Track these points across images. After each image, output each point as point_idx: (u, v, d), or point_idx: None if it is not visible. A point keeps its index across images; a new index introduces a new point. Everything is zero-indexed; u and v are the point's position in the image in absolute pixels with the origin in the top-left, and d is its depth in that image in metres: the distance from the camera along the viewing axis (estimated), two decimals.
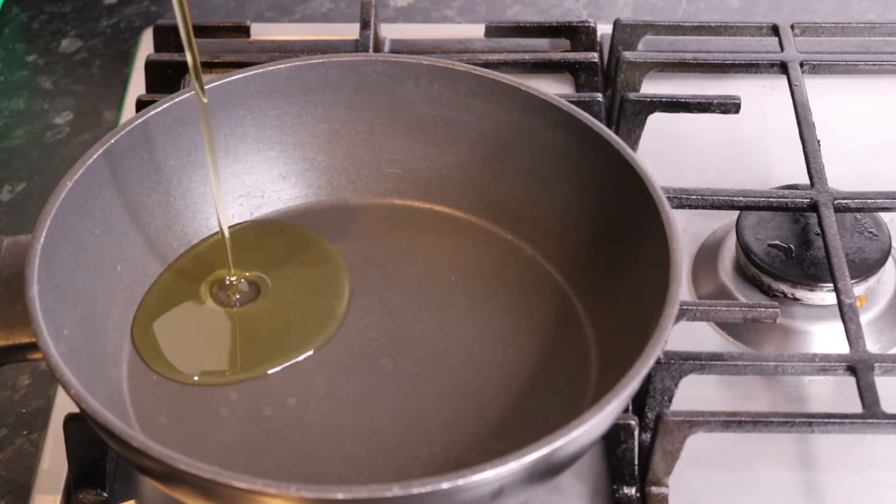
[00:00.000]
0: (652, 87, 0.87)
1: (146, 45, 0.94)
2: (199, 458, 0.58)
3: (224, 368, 0.71)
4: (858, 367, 0.69)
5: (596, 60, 0.89)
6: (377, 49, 0.90)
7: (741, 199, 0.78)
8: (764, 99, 0.89)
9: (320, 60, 0.77)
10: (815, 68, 0.87)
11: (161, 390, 0.70)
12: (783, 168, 0.85)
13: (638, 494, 0.69)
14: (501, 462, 0.57)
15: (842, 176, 0.81)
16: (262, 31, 0.94)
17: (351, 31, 0.91)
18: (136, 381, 0.70)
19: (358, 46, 0.89)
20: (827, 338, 0.76)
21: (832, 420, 0.67)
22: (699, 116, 0.85)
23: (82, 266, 0.69)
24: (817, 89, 0.85)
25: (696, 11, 1.01)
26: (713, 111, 0.84)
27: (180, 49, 0.91)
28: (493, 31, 0.92)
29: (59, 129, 0.91)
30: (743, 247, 0.78)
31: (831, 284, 0.74)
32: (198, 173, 0.76)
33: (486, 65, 0.83)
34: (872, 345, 0.75)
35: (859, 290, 0.76)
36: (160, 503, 0.68)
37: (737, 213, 0.80)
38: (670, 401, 0.70)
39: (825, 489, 0.70)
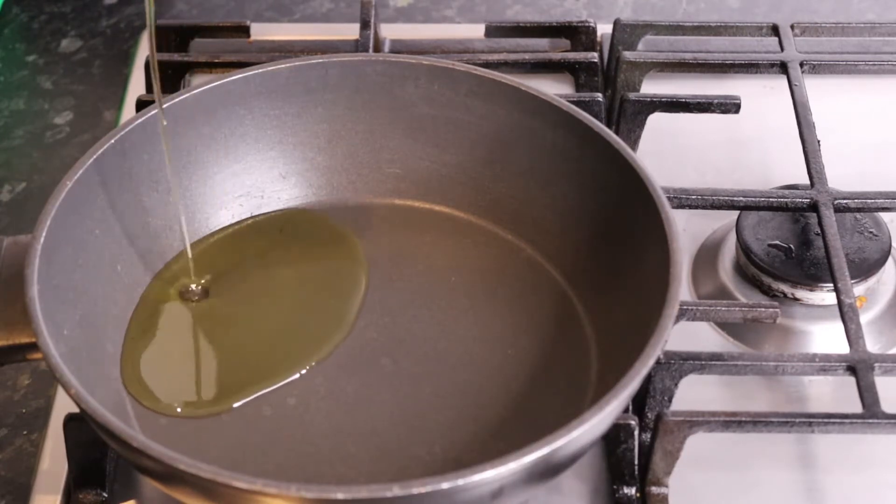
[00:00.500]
0: (652, 87, 0.87)
1: (146, 45, 0.94)
2: (199, 458, 0.58)
3: (211, 397, 0.70)
4: (858, 367, 0.69)
5: (596, 60, 0.89)
6: (377, 49, 0.90)
7: (741, 199, 0.78)
8: (764, 99, 0.89)
9: (320, 60, 0.77)
10: (815, 68, 0.87)
11: None
12: (783, 168, 0.85)
13: (638, 494, 0.69)
14: (501, 462, 0.57)
15: (842, 176, 0.81)
16: (262, 31, 0.94)
17: (351, 31, 0.91)
18: None
19: (358, 46, 0.89)
20: (827, 338, 0.76)
21: (832, 420, 0.67)
22: (699, 116, 0.85)
23: (82, 266, 0.69)
24: (817, 89, 0.85)
25: (696, 11, 1.01)
26: (713, 111, 0.84)
27: (180, 49, 0.91)
28: (493, 31, 0.92)
29: (59, 129, 0.91)
30: (743, 247, 0.78)
31: (831, 284, 0.74)
32: (198, 173, 0.76)
33: (486, 65, 0.83)
34: (872, 345, 0.75)
35: (859, 290, 0.76)
36: (160, 503, 0.68)
37: (737, 213, 0.80)
38: (670, 401, 0.70)
39: (825, 489, 0.70)
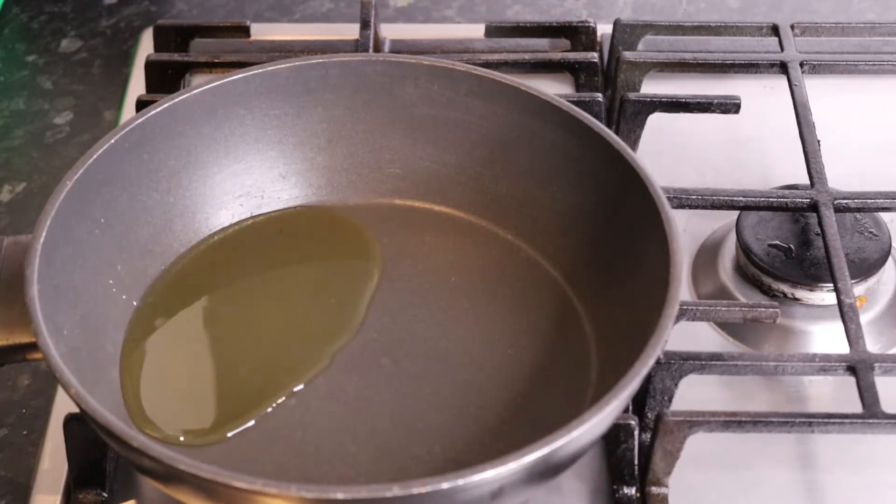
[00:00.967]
0: (652, 87, 0.87)
1: (146, 45, 0.94)
2: (199, 458, 0.58)
3: (210, 426, 0.68)
4: (858, 367, 0.69)
5: (596, 60, 0.89)
6: (377, 49, 0.90)
7: (741, 199, 0.78)
8: (764, 99, 0.89)
9: (320, 60, 0.77)
10: (815, 68, 0.87)
11: None
12: (783, 168, 0.85)
13: (638, 494, 0.69)
14: (501, 462, 0.57)
15: (842, 176, 0.81)
16: (262, 31, 0.94)
17: (351, 31, 0.91)
18: None
19: (358, 46, 0.89)
20: (827, 338, 0.76)
21: (832, 420, 0.67)
22: (699, 116, 0.85)
23: (82, 266, 0.69)
24: (817, 89, 0.85)
25: (696, 11, 1.01)
26: (713, 111, 0.84)
27: (180, 49, 0.91)
28: (493, 31, 0.92)
29: (59, 129, 0.91)
30: (743, 247, 0.78)
31: (831, 284, 0.74)
32: (198, 173, 0.76)
33: (486, 65, 0.83)
34: (872, 345, 0.75)
35: (859, 290, 0.76)
36: (160, 503, 0.68)
37: (737, 213, 0.80)
38: (670, 401, 0.70)
39: (825, 489, 0.70)
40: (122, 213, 0.72)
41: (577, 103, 0.76)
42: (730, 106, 0.84)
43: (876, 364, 0.69)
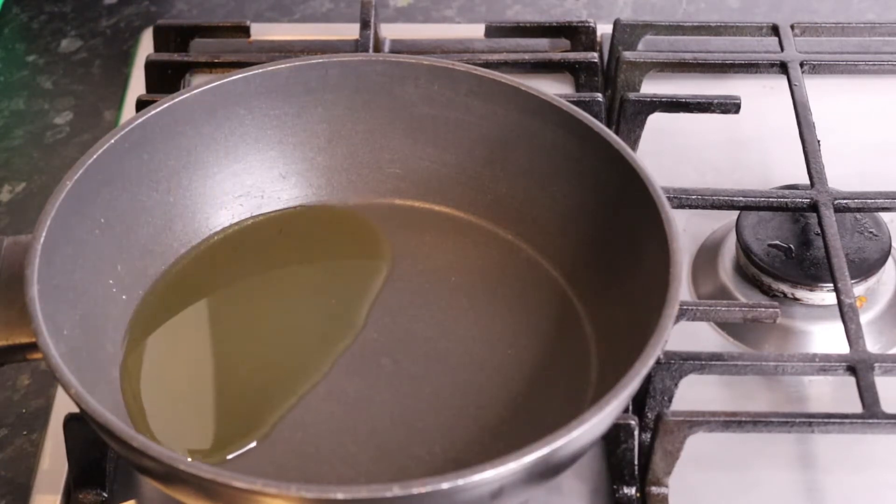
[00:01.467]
0: (652, 87, 0.87)
1: (146, 45, 0.94)
2: None
3: (209, 447, 0.67)
4: (858, 367, 0.69)
5: (596, 60, 0.89)
6: (377, 49, 0.90)
7: (741, 199, 0.78)
8: (764, 99, 0.89)
9: (320, 60, 0.77)
10: (815, 68, 0.87)
11: None
12: (783, 168, 0.85)
13: (638, 494, 0.69)
14: (501, 462, 0.57)
15: (842, 176, 0.81)
16: (262, 31, 0.94)
17: (351, 31, 0.91)
18: None
19: (358, 46, 0.89)
20: (827, 338, 0.76)
21: (832, 420, 0.67)
22: (699, 116, 0.85)
23: (82, 266, 0.69)
24: (817, 89, 0.85)
25: (696, 11, 1.01)
26: (713, 111, 0.84)
27: (180, 49, 0.91)
28: (493, 31, 0.92)
29: (59, 129, 0.91)
30: (743, 247, 0.78)
31: (831, 284, 0.74)
32: (198, 173, 0.76)
33: (486, 65, 0.83)
34: (872, 345, 0.75)
35: (859, 290, 0.76)
36: (160, 503, 0.68)
37: (737, 213, 0.80)
38: (670, 401, 0.70)
39: (825, 489, 0.70)
40: (122, 213, 0.72)
41: (577, 103, 0.76)
42: (730, 106, 0.84)
43: (876, 364, 0.69)
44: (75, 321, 0.67)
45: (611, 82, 0.89)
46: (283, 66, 0.76)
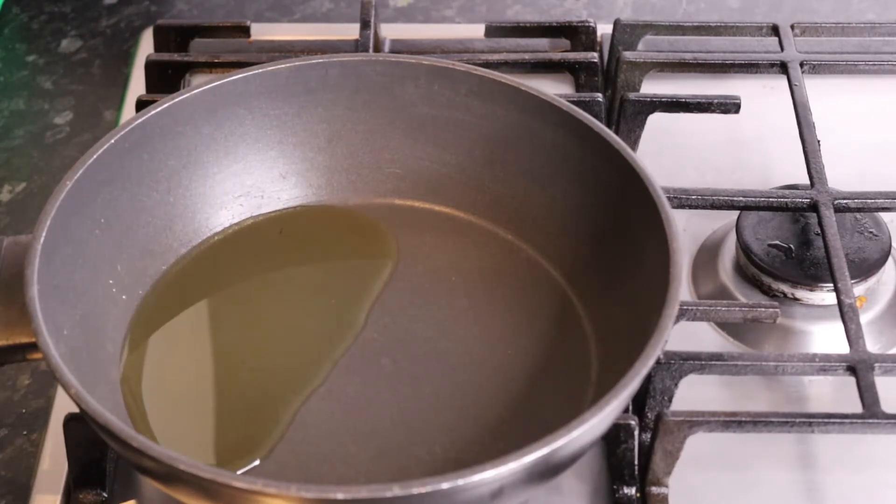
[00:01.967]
0: (652, 87, 0.87)
1: (146, 45, 0.94)
2: None
3: (214, 461, 0.67)
4: (858, 367, 0.69)
5: (596, 60, 0.89)
6: (377, 49, 0.90)
7: (741, 199, 0.78)
8: (764, 99, 0.89)
9: (320, 60, 0.77)
10: (815, 68, 0.87)
11: None
12: (783, 168, 0.85)
13: (638, 494, 0.69)
14: (501, 462, 0.57)
15: (842, 176, 0.81)
16: (262, 31, 0.94)
17: (351, 31, 0.91)
18: None
19: (358, 46, 0.89)
20: (827, 338, 0.76)
21: (832, 420, 0.67)
22: (699, 116, 0.85)
23: (82, 266, 0.69)
24: (817, 89, 0.85)
25: (696, 11, 1.01)
26: (713, 111, 0.84)
27: (180, 49, 0.91)
28: (493, 31, 0.92)
29: (59, 129, 0.91)
30: (743, 247, 0.78)
31: (831, 284, 0.74)
32: (198, 173, 0.76)
33: (486, 65, 0.83)
34: (872, 345, 0.75)
35: (859, 290, 0.76)
36: (160, 503, 0.68)
37: (737, 213, 0.80)
38: (670, 401, 0.70)
39: (825, 489, 0.70)
40: (122, 213, 0.72)
41: (577, 103, 0.76)
42: (730, 106, 0.84)
43: (876, 364, 0.69)
44: (75, 321, 0.67)
45: (611, 82, 0.89)
46: (283, 66, 0.76)
